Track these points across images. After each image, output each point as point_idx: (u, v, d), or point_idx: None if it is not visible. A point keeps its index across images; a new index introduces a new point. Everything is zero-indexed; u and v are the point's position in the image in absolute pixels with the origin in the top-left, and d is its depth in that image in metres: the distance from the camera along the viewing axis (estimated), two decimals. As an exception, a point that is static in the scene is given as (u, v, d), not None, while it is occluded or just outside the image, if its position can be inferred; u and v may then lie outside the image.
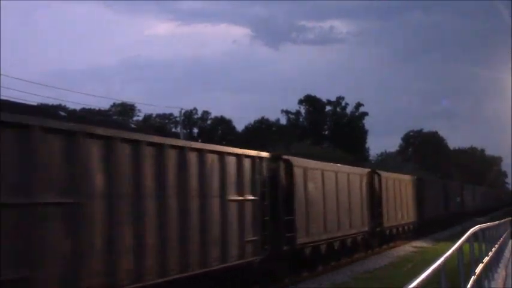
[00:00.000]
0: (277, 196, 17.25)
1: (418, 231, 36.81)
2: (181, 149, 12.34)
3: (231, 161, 14.48)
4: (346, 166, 25.70)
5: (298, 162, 19.21)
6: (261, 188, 16.04)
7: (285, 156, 18.61)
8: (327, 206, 20.92)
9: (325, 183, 21.03)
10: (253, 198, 15.47)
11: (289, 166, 18.23)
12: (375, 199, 28.05)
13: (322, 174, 20.93)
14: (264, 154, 16.77)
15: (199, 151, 13.11)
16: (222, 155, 14.07)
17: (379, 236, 28.81)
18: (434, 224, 41.64)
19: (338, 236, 22.15)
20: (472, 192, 64.81)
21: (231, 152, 14.67)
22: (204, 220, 12.95)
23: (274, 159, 17.55)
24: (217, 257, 13.42)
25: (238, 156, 14.89)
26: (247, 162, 15.33)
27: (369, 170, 28.90)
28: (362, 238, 25.65)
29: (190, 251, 12.31)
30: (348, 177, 23.96)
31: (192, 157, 12.72)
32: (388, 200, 29.92)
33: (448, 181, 55.68)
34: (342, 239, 22.77)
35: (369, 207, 26.85)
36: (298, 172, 18.67)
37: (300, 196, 18.65)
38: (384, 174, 30.42)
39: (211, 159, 13.55)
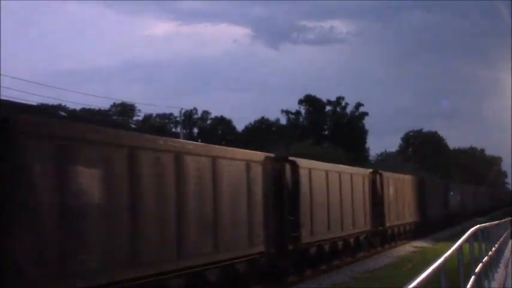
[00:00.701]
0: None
1: (378, 241, 28.78)
2: None
3: None
4: (223, 148, 15.85)
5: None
6: None
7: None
8: (141, 216, 11.18)
9: (136, 181, 11.27)
10: None
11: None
12: (283, 201, 17.76)
13: (131, 157, 10.89)
14: None
15: None
16: None
17: (291, 257, 18.31)
18: (403, 232, 33.31)
19: (192, 267, 12.93)
20: (459, 192, 55.77)
21: None
22: None
23: None
24: None
25: None
26: None
27: (271, 155, 18.10)
28: (248, 265, 15.44)
29: None
30: (217, 166, 14.14)
31: None
32: (313, 202, 19.89)
33: (426, 179, 44.60)
34: (200, 272, 13.22)
35: (271, 214, 16.74)
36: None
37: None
38: (304, 163, 19.88)
39: None
